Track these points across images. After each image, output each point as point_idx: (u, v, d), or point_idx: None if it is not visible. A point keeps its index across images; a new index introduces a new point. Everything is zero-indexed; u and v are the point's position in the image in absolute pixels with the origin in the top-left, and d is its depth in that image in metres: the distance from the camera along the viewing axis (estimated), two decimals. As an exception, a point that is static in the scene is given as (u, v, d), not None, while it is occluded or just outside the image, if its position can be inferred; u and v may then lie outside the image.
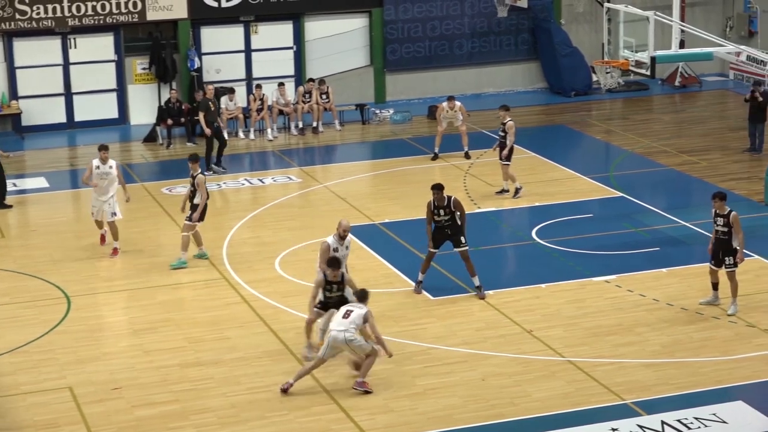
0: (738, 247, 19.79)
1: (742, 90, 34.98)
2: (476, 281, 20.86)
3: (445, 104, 29.39)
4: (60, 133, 32.82)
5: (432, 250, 20.86)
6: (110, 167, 23.00)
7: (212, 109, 28.94)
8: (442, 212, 20.59)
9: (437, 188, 20.59)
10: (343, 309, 17.58)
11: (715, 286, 20.24)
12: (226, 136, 29.42)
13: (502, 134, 26.20)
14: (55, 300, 21.18)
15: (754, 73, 32.45)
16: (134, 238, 24.27)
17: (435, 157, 29.42)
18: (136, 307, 20.87)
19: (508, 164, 26.17)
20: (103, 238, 23.66)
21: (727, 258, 19.91)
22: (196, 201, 22.42)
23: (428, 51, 35.82)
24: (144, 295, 21.37)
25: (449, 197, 20.68)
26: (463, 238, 20.73)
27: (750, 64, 25.54)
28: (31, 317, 20.43)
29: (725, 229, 19.82)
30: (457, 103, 29.46)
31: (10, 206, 26.43)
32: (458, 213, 20.66)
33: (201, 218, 22.56)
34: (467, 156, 29.33)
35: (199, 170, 22.57)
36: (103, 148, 23.19)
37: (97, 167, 22.99)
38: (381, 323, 19.72)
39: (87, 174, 23.21)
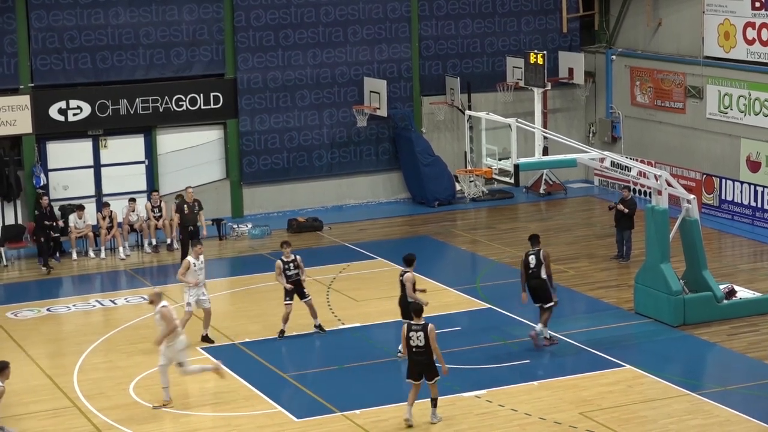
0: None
1: (607, 196, 35.46)
2: None
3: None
4: None
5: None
6: (202, 262, 24.27)
7: (186, 212, 30.24)
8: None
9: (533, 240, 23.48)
10: None
11: (411, 401, 19.97)
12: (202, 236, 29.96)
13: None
14: None
15: (618, 179, 32.68)
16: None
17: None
18: (-25, 442, 19.97)
19: None
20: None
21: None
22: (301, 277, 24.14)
23: (286, 163, 35.40)
24: (-16, 429, 20.48)
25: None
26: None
27: (614, 170, 25.50)
28: None
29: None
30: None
31: None
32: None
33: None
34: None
35: (292, 255, 24.02)
36: (198, 243, 24.78)
37: (194, 264, 24.09)
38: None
39: (182, 270, 24.09)
